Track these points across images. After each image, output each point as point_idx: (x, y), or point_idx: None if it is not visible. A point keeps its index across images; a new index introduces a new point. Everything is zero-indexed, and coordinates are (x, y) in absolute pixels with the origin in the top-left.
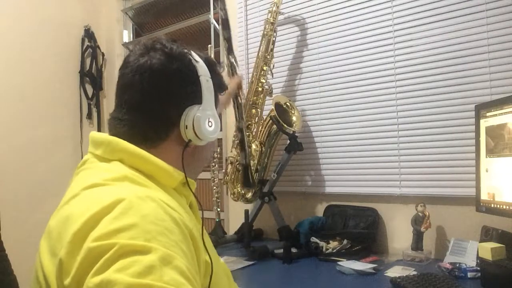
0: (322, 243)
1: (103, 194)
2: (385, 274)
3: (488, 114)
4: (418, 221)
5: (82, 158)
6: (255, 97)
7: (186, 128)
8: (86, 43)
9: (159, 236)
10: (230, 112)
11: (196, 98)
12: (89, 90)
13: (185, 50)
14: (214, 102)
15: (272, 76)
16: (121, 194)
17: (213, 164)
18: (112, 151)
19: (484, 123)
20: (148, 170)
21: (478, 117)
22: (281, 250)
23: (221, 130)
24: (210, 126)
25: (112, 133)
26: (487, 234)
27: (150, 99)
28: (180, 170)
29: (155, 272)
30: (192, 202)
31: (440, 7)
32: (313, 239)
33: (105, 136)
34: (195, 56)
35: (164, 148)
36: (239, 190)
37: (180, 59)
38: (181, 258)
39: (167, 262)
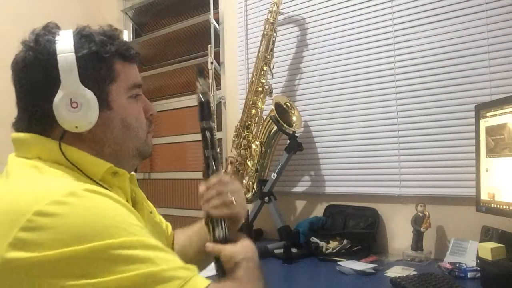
0: (322, 243)
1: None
2: (385, 274)
3: (488, 114)
4: (418, 221)
5: None
6: (255, 97)
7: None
8: None
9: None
10: (230, 112)
11: (58, 81)
12: None
13: (44, 32)
14: (83, 77)
15: (272, 76)
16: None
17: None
18: (27, 148)
19: (484, 123)
20: (66, 163)
21: (478, 117)
22: (281, 250)
23: (220, 130)
24: (75, 107)
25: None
26: (487, 234)
27: (23, 95)
28: (101, 158)
29: None
30: (137, 197)
31: (440, 7)
32: (313, 239)
33: (17, 134)
34: (58, 34)
35: (64, 141)
36: None
37: (37, 45)
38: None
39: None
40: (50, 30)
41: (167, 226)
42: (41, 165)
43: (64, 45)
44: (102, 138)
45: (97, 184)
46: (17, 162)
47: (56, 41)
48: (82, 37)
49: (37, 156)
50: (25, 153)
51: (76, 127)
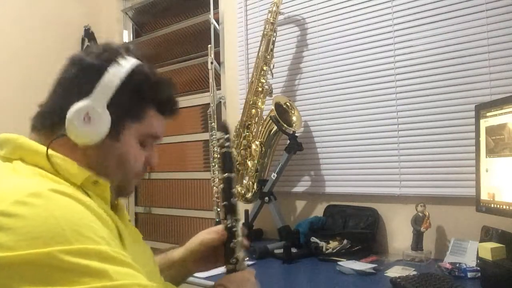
0: (322, 243)
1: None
2: (385, 274)
3: (488, 114)
4: (418, 221)
5: None
6: (255, 97)
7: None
8: (86, 43)
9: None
10: (230, 112)
11: (89, 93)
12: None
13: (116, 53)
14: (113, 103)
15: (272, 76)
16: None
17: (213, 164)
18: (12, 149)
19: (484, 123)
20: (43, 163)
21: (478, 117)
22: (281, 250)
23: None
24: (86, 121)
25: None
26: (487, 234)
27: (58, 84)
28: (88, 166)
29: None
30: (119, 205)
31: (440, 7)
32: (313, 239)
33: (6, 134)
34: (124, 58)
35: (57, 142)
36: (239, 190)
37: (101, 56)
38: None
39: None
40: (118, 50)
41: None
42: (19, 166)
43: (118, 69)
44: (93, 159)
45: (77, 187)
46: None
47: (115, 61)
48: (139, 72)
49: (20, 158)
50: (9, 154)
51: (76, 136)
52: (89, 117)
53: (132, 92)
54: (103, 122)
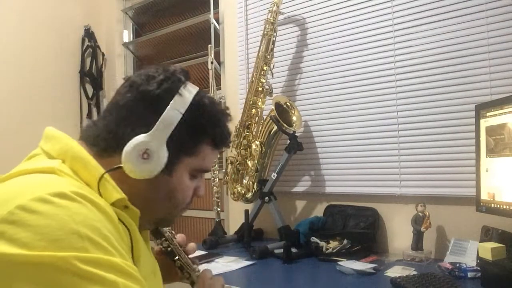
0: (322, 243)
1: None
2: (385, 274)
3: (488, 114)
4: (418, 221)
5: None
6: (255, 97)
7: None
8: (86, 43)
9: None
10: (231, 112)
11: (151, 126)
12: (89, 90)
13: (179, 81)
14: (171, 138)
15: (272, 76)
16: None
17: (213, 164)
18: (59, 148)
19: (484, 123)
20: (84, 176)
21: (478, 117)
22: (281, 250)
23: None
24: (145, 159)
25: (80, 135)
26: (487, 234)
27: (115, 109)
28: (137, 197)
29: None
30: (142, 233)
31: (440, 7)
32: (313, 239)
33: (57, 132)
34: (185, 87)
35: (110, 162)
36: (239, 190)
37: (162, 85)
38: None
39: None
40: (179, 77)
41: None
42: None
43: (180, 103)
44: (142, 192)
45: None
46: (39, 157)
47: (176, 93)
48: (198, 104)
49: (63, 160)
50: (55, 153)
51: (131, 171)
52: (148, 154)
53: (191, 127)
54: (161, 159)
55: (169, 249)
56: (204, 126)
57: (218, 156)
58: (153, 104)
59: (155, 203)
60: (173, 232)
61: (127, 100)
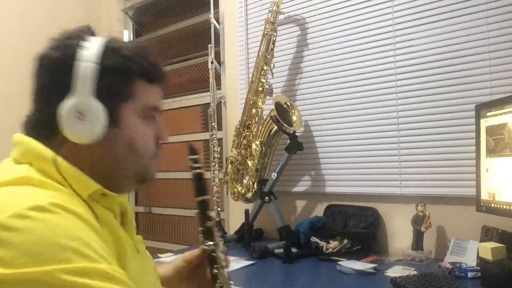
0: (322, 243)
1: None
2: (385, 274)
3: (488, 114)
4: (418, 221)
5: None
6: (255, 97)
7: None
8: None
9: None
10: (230, 112)
11: (71, 88)
12: None
13: (80, 37)
14: (98, 89)
15: (272, 76)
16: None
17: (213, 164)
18: (21, 152)
19: (484, 123)
20: (52, 172)
21: (478, 117)
22: (281, 250)
23: (220, 129)
24: (81, 119)
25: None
26: (487, 234)
27: (37, 93)
28: (95, 177)
29: None
30: (127, 218)
31: (440, 7)
32: (313, 239)
33: (21, 137)
34: (89, 40)
35: (61, 149)
36: (239, 190)
37: (64, 46)
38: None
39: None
40: (79, 34)
41: None
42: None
43: (88, 53)
44: (102, 157)
45: (83, 201)
46: (6, 164)
47: (81, 47)
48: (110, 48)
49: (29, 163)
50: (20, 157)
51: (78, 138)
52: (81, 113)
53: (111, 72)
54: (97, 113)
55: (213, 254)
56: (126, 65)
57: (160, 93)
58: (63, 67)
59: (121, 161)
60: (223, 241)
61: (41, 78)
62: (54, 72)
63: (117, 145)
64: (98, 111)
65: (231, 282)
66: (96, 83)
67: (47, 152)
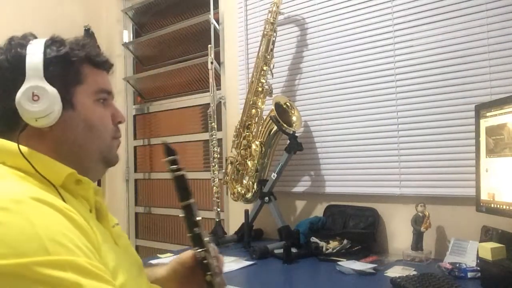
0: (322, 243)
1: None
2: (385, 274)
3: (488, 114)
4: (418, 221)
5: None
6: (255, 97)
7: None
8: None
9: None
10: (230, 112)
11: (23, 78)
12: None
13: (24, 38)
14: (49, 76)
15: (272, 76)
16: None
17: (213, 164)
18: None
19: (484, 123)
20: (23, 166)
21: (478, 117)
22: (281, 250)
23: (220, 130)
24: (36, 100)
25: None
26: (487, 234)
27: None
28: (62, 161)
29: None
30: (102, 208)
31: (440, 7)
32: (313, 239)
33: None
34: (33, 39)
35: (23, 138)
36: (239, 190)
37: (11, 47)
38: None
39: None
40: (24, 37)
41: None
42: (1, 169)
43: (34, 48)
44: (61, 138)
45: (57, 191)
46: None
47: (27, 45)
48: (53, 42)
49: (1, 162)
50: None
51: (36, 120)
52: (36, 95)
53: (59, 60)
54: (52, 94)
55: (205, 261)
56: (71, 52)
57: (108, 80)
58: (14, 64)
59: (82, 141)
60: (213, 244)
61: None
62: (5, 71)
63: (76, 126)
64: (51, 92)
65: (226, 287)
66: (46, 71)
67: (12, 146)
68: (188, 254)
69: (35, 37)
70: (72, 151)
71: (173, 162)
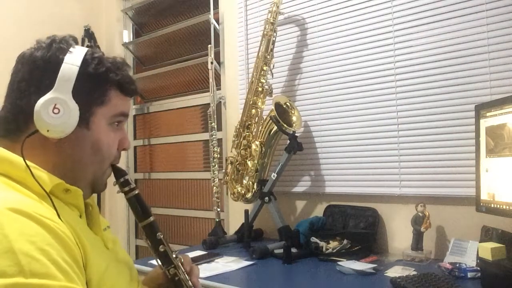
0: (322, 243)
1: None
2: (385, 274)
3: (488, 114)
4: (418, 221)
5: None
6: (255, 97)
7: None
8: (86, 43)
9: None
10: (230, 112)
11: (52, 85)
12: None
13: (66, 43)
14: (76, 91)
15: (272, 76)
16: None
17: (213, 164)
18: None
19: (484, 123)
20: (14, 174)
21: (478, 117)
22: (281, 250)
23: (220, 130)
24: (56, 113)
25: None
26: (487, 234)
27: (14, 87)
28: (57, 174)
29: None
30: (93, 212)
31: (440, 7)
32: (313, 239)
33: None
34: (74, 47)
35: (27, 142)
36: (239, 190)
37: (51, 48)
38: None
39: None
40: (67, 40)
41: None
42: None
43: (73, 58)
44: (67, 152)
45: (48, 195)
46: None
47: (67, 51)
48: (93, 57)
49: (5, 174)
50: None
51: (48, 130)
52: (58, 109)
53: (92, 78)
54: (73, 111)
55: (176, 278)
56: (105, 74)
57: (130, 104)
58: (48, 66)
59: (83, 160)
60: (180, 256)
61: (22, 73)
62: (36, 69)
63: (84, 144)
64: (73, 109)
65: None
66: (76, 85)
67: (5, 153)
68: (158, 273)
69: (77, 43)
70: (72, 168)
71: (125, 182)
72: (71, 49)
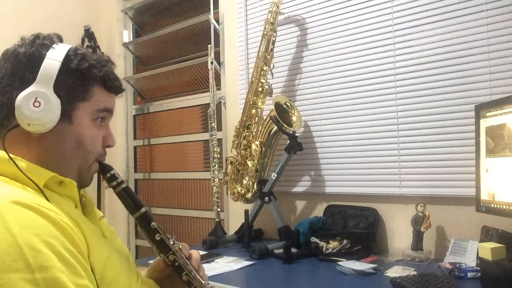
0: (322, 243)
1: None
2: (385, 274)
3: (488, 114)
4: (418, 221)
5: None
6: (255, 97)
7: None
8: (86, 43)
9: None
10: (230, 112)
11: (34, 80)
12: None
13: (49, 39)
14: (58, 86)
15: (272, 76)
16: None
17: (213, 164)
18: None
19: (484, 123)
20: (3, 169)
21: (478, 117)
22: (281, 250)
23: (220, 130)
24: (37, 107)
25: None
26: (487, 234)
27: None
28: (46, 156)
29: None
30: (87, 202)
31: (440, 7)
32: (313, 239)
33: None
34: (57, 43)
35: (10, 137)
36: (239, 190)
37: (34, 44)
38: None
39: None
40: (51, 38)
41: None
42: None
43: (55, 53)
44: (50, 147)
45: (41, 191)
46: None
47: (50, 47)
48: (76, 53)
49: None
50: None
51: (29, 124)
52: (39, 102)
53: (74, 73)
54: (54, 105)
55: (176, 264)
56: (88, 69)
57: (114, 101)
58: (30, 61)
59: (67, 155)
60: (178, 242)
61: (5, 69)
62: (19, 64)
63: (66, 139)
64: (54, 103)
65: (208, 282)
66: (58, 79)
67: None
68: (158, 262)
69: (61, 41)
70: (56, 161)
71: (112, 177)
72: (54, 45)
